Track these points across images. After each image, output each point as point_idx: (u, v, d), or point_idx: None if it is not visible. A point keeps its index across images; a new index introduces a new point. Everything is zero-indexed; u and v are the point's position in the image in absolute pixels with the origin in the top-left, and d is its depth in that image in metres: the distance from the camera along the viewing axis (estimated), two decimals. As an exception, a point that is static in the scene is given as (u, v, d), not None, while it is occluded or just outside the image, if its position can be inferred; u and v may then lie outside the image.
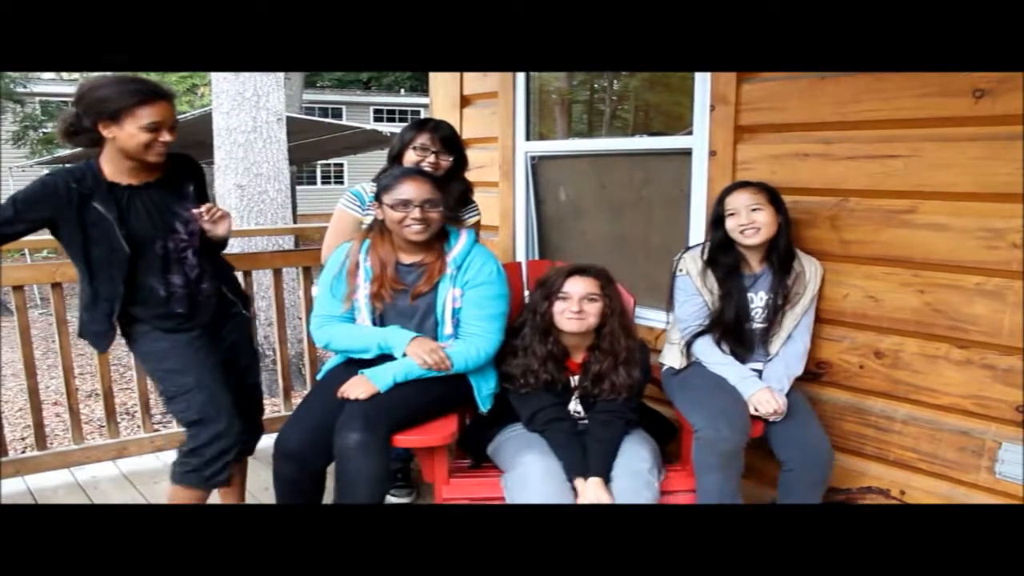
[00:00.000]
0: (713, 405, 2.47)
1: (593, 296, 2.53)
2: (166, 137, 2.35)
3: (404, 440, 2.43)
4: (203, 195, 2.62)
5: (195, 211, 2.50)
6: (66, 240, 2.43)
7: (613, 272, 2.64)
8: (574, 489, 2.36)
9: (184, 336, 2.56)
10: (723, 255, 2.61)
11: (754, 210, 2.52)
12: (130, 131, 2.31)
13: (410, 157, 2.92)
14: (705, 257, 2.63)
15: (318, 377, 2.76)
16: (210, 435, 2.49)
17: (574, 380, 2.62)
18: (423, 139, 2.92)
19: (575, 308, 2.51)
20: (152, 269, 2.47)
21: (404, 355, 2.49)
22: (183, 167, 2.59)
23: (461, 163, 3.06)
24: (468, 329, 2.58)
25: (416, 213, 2.50)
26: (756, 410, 2.49)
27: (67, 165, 2.48)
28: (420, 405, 2.47)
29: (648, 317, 3.17)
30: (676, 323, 2.72)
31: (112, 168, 2.42)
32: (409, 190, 2.51)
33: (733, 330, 2.61)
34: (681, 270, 2.68)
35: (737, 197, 2.55)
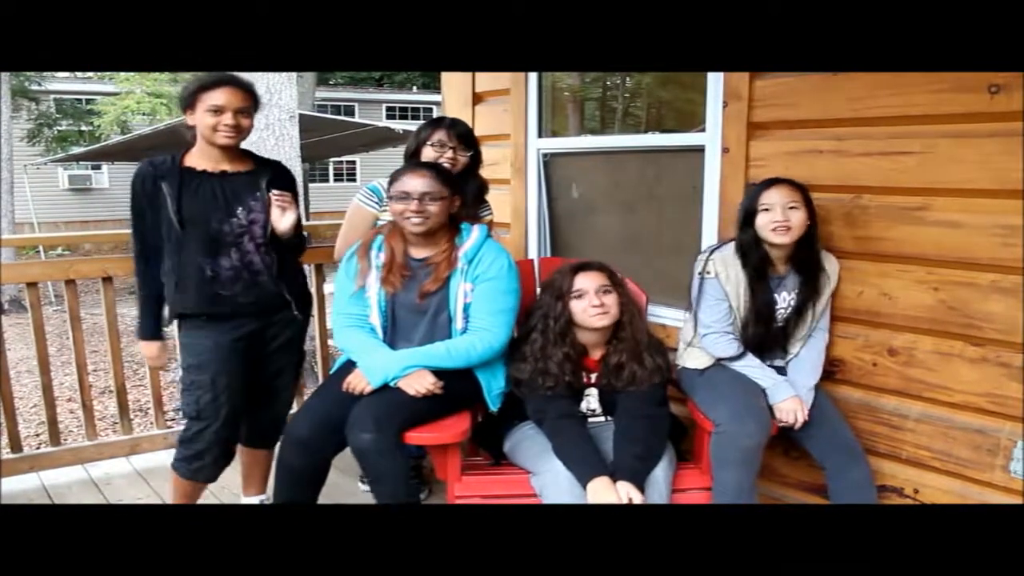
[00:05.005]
0: (738, 401, 2.46)
1: (607, 288, 2.53)
2: (229, 120, 2.51)
3: (416, 437, 2.44)
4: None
5: (274, 193, 2.63)
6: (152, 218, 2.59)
7: (625, 269, 2.64)
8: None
9: (226, 332, 2.62)
10: (753, 253, 2.55)
11: (791, 208, 2.46)
12: (199, 115, 2.53)
13: (428, 154, 2.93)
14: (737, 257, 2.57)
15: (331, 372, 2.77)
16: (197, 431, 2.65)
17: (591, 378, 2.61)
18: (440, 135, 2.93)
19: (596, 302, 2.50)
20: (202, 248, 2.56)
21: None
22: (269, 168, 2.72)
23: (477, 160, 3.06)
24: (476, 323, 2.58)
25: (414, 205, 2.51)
26: (779, 417, 2.49)
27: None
28: (431, 403, 2.48)
29: (661, 315, 3.16)
30: (698, 327, 2.66)
31: (196, 157, 2.60)
32: (409, 182, 2.54)
33: (758, 332, 2.60)
34: (709, 272, 2.60)
35: (774, 193, 2.48)
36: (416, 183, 2.54)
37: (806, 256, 2.55)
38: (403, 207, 2.53)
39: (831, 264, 2.61)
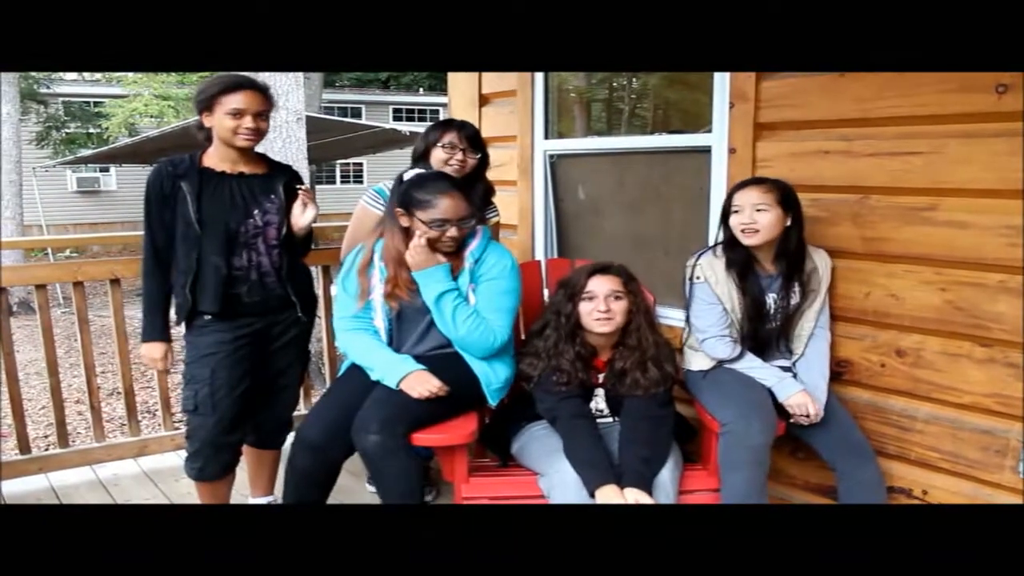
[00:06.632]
0: (744, 400, 2.46)
1: (618, 294, 2.53)
2: (249, 123, 2.55)
3: (423, 439, 2.45)
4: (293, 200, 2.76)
5: (300, 188, 2.69)
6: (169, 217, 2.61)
7: (632, 270, 2.63)
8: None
9: (231, 330, 2.64)
10: (734, 253, 2.57)
11: (759, 210, 2.47)
12: (219, 117, 2.55)
13: (437, 156, 2.92)
14: (722, 259, 2.59)
15: (338, 375, 2.78)
16: (196, 426, 2.66)
17: (599, 378, 2.61)
18: (450, 137, 2.93)
19: (602, 308, 2.49)
20: (219, 248, 2.58)
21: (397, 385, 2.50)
22: (284, 172, 2.75)
23: (485, 162, 3.07)
24: None
25: (453, 232, 2.52)
26: (792, 412, 2.49)
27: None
28: (438, 404, 2.48)
29: (668, 316, 3.15)
30: (695, 332, 2.67)
31: (214, 158, 2.62)
32: (448, 209, 2.52)
33: (752, 331, 2.59)
34: (698, 277, 2.62)
35: (744, 194, 2.51)
36: (455, 209, 2.53)
37: (789, 255, 2.55)
38: (439, 233, 2.52)
39: (822, 260, 2.61)
